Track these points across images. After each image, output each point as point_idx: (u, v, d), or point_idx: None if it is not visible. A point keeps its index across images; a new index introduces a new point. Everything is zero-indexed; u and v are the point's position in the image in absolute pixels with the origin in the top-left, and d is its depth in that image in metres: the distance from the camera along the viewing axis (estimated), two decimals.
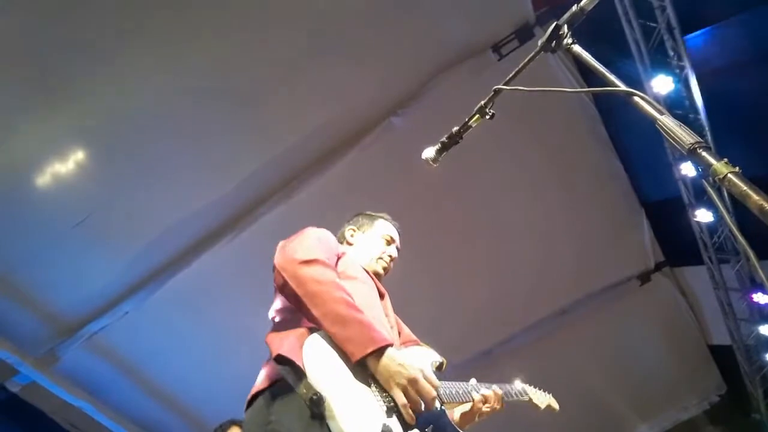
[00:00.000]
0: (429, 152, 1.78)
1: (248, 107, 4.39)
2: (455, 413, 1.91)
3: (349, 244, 2.21)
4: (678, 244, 6.15)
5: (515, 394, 2.20)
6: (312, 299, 1.55)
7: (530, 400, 2.30)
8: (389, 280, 2.15)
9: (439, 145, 1.76)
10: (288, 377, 1.43)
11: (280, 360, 1.47)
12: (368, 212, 2.34)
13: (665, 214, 5.95)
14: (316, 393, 1.36)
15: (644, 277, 6.42)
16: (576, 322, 6.32)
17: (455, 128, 1.73)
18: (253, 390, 1.60)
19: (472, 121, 1.69)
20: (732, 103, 4.75)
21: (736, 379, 6.94)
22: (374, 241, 2.20)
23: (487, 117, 1.67)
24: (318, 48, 4.20)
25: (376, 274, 2.11)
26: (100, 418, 5.48)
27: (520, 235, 5.69)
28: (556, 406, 2.42)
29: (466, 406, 1.91)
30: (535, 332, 6.26)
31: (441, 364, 1.85)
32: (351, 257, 1.99)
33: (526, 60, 1.54)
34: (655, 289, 6.50)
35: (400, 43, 4.45)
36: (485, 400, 1.90)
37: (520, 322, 6.25)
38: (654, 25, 4.45)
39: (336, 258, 1.85)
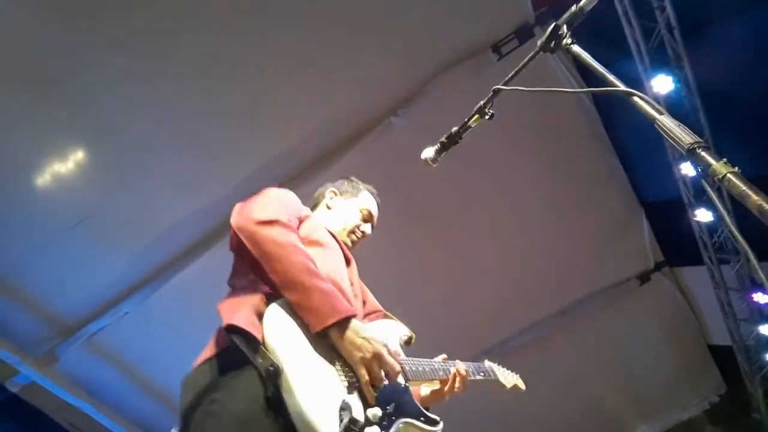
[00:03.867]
0: (428, 152, 1.76)
1: (248, 107, 4.39)
2: (421, 390, 1.86)
3: (328, 207, 2.12)
4: (678, 244, 6.14)
5: (483, 372, 2.14)
6: (271, 263, 1.44)
7: (497, 379, 2.24)
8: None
9: (439, 145, 1.76)
10: (243, 348, 1.33)
11: (232, 329, 1.37)
12: (354, 179, 2.26)
13: (665, 214, 5.93)
14: (273, 364, 1.28)
15: (644, 277, 6.40)
16: (576, 322, 6.31)
17: (454, 128, 1.72)
18: (198, 359, 1.48)
19: (471, 121, 1.69)
20: (732, 103, 4.74)
21: (736, 379, 6.93)
22: (352, 211, 2.11)
23: (487, 117, 1.67)
24: (318, 48, 4.20)
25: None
26: (100, 418, 5.48)
27: (520, 235, 5.68)
28: (522, 386, 2.37)
29: (434, 384, 1.85)
30: (534, 332, 6.25)
31: (409, 338, 1.81)
32: (316, 221, 1.88)
33: (526, 60, 1.54)
34: (655, 289, 6.49)
35: (399, 43, 4.44)
36: (451, 380, 1.83)
37: (520, 322, 6.24)
38: (654, 24, 4.44)
39: (298, 221, 1.74)
